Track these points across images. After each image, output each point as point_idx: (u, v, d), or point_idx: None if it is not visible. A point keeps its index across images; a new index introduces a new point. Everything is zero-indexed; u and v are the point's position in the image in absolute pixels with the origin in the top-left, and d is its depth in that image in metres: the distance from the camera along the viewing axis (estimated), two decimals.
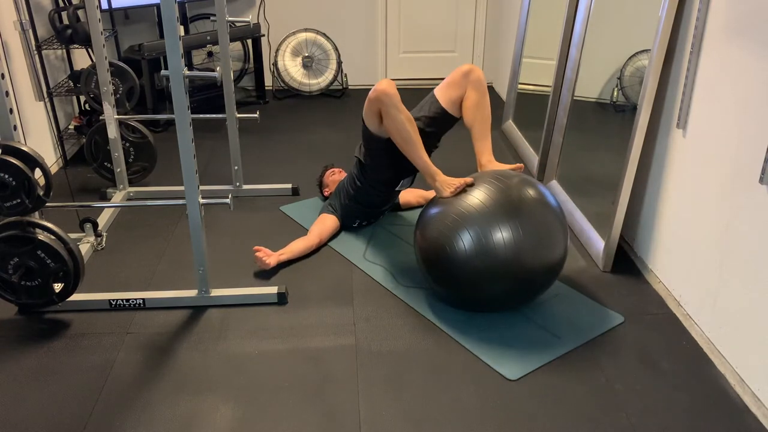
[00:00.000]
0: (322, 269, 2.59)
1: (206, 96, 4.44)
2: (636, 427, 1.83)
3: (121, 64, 3.10)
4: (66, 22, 3.38)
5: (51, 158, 3.50)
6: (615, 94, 2.76)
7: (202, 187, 3.16)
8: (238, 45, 4.66)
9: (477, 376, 2.02)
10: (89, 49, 3.73)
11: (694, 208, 2.20)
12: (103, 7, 3.67)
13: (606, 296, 2.42)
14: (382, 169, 2.67)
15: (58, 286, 2.20)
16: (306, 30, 4.71)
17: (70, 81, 3.67)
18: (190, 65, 4.50)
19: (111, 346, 2.15)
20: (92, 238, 2.71)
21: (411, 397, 1.94)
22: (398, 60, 4.99)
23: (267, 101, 4.68)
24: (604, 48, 2.84)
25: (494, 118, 2.78)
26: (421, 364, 2.08)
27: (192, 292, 2.36)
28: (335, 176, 3.06)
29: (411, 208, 3.07)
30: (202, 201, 2.17)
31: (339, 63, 4.76)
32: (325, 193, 3.09)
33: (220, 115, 3.11)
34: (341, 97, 4.79)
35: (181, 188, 2.80)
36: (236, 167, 3.17)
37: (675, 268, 2.35)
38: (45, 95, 3.41)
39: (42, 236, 2.10)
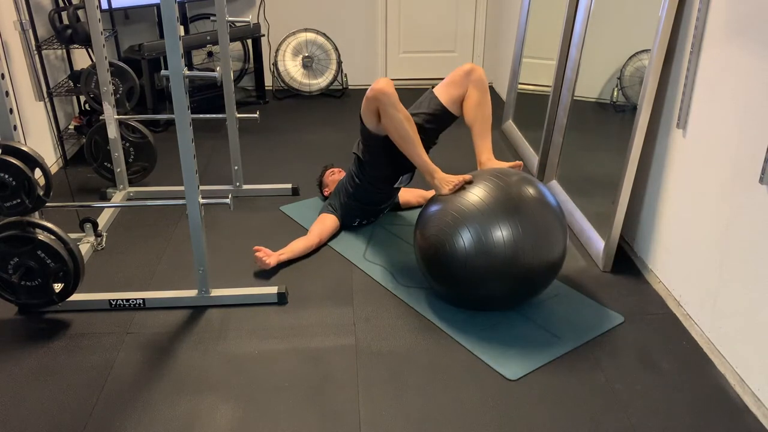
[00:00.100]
0: (322, 269, 2.59)
1: (206, 96, 4.44)
2: (636, 427, 1.83)
3: (121, 64, 3.10)
4: (66, 22, 3.38)
5: (51, 158, 3.50)
6: (615, 94, 2.76)
7: (202, 187, 3.16)
8: (238, 45, 4.66)
9: (477, 376, 2.02)
10: (89, 49, 3.74)
11: (694, 208, 2.20)
12: (103, 7, 3.67)
13: (606, 296, 2.42)
14: (380, 166, 2.67)
15: (58, 286, 2.20)
16: (306, 30, 4.71)
17: (70, 81, 3.67)
18: (190, 65, 4.50)
19: (111, 346, 2.16)
20: (92, 238, 2.71)
21: (411, 397, 1.94)
22: (398, 60, 4.99)
23: (267, 101, 4.68)
24: (604, 48, 2.84)
25: (494, 118, 2.78)
26: (421, 364, 2.08)
27: (192, 292, 2.36)
28: (335, 176, 3.06)
29: (411, 207, 3.07)
30: (202, 201, 2.17)
31: (339, 63, 4.76)
32: (325, 193, 3.09)
33: (220, 115, 3.11)
34: (341, 97, 4.79)
35: (181, 188, 2.80)
36: (236, 167, 3.18)
37: (675, 268, 2.35)
38: (45, 95, 3.41)
39: (42, 236, 2.10)
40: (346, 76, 4.87)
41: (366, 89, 2.77)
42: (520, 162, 2.45)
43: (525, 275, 2.13)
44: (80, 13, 3.46)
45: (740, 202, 1.95)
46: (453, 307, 2.34)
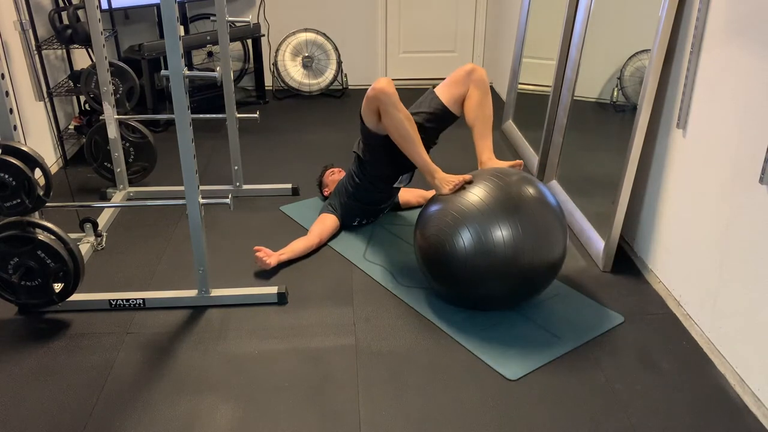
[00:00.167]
0: (322, 269, 2.59)
1: (206, 96, 4.44)
2: (636, 427, 1.83)
3: (121, 64, 3.10)
4: (66, 22, 3.38)
5: (51, 158, 3.50)
6: (615, 94, 2.76)
7: (202, 187, 3.16)
8: (238, 45, 4.66)
9: (477, 376, 2.02)
10: (89, 49, 3.74)
11: (694, 208, 2.20)
12: (103, 7, 3.67)
13: (606, 296, 2.42)
14: (380, 166, 2.67)
15: (58, 286, 2.20)
16: (306, 30, 4.71)
17: (70, 81, 3.67)
18: (190, 65, 4.50)
19: (111, 346, 2.16)
20: (92, 238, 2.71)
21: (411, 397, 1.94)
22: (398, 60, 4.99)
23: (267, 101, 4.68)
24: (604, 48, 2.84)
25: (494, 118, 2.77)
26: (421, 364, 2.08)
27: (192, 292, 2.36)
28: (335, 176, 3.06)
29: (411, 207, 3.07)
30: (202, 201, 2.17)
31: (339, 63, 4.76)
32: (325, 193, 3.09)
33: (220, 115, 3.11)
34: (341, 97, 4.79)
35: (181, 188, 2.80)
36: (236, 167, 3.18)
37: (675, 268, 2.35)
38: (45, 95, 3.41)
39: (42, 236, 2.10)
40: (346, 76, 4.87)
41: (366, 89, 2.77)
42: (521, 161, 2.45)
43: (525, 275, 2.13)
44: (80, 13, 3.46)
45: (740, 202, 1.95)
46: (453, 307, 2.34)
